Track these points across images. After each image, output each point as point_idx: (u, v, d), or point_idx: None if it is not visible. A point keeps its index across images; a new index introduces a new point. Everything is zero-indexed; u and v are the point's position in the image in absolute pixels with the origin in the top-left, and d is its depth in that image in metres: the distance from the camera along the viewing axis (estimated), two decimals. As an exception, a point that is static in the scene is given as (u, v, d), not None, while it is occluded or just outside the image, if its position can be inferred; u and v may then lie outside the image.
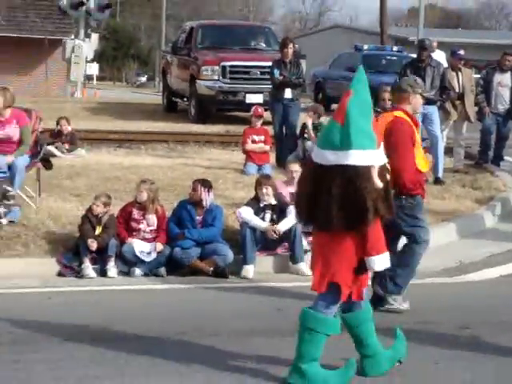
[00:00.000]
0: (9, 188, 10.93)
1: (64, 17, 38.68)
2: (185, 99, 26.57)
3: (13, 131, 11.51)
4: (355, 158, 6.19)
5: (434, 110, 14.47)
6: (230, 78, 23.83)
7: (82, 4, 36.12)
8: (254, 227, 10.65)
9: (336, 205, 6.21)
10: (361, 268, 6.47)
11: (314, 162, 6.44)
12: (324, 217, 6.31)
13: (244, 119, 21.75)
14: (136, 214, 10.60)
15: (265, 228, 10.70)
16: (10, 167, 11.23)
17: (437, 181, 14.52)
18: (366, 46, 31.21)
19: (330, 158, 6.27)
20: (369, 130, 6.32)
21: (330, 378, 6.53)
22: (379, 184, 6.26)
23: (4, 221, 10.71)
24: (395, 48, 32.50)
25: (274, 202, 10.93)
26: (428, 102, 14.39)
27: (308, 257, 10.82)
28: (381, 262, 6.45)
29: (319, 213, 6.35)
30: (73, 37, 37.96)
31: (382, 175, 6.32)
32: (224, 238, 10.78)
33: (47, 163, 12.27)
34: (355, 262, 6.44)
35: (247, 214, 10.78)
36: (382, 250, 6.45)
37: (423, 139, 12.48)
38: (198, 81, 24.15)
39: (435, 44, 16.64)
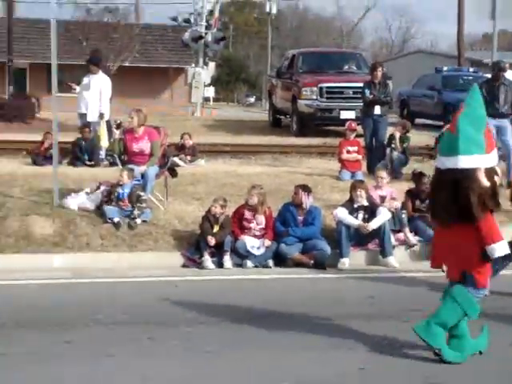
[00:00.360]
0: (142, 193, 11.09)
1: (186, 49, 39.11)
2: (287, 116, 26.61)
3: (145, 145, 11.66)
4: (462, 162, 6.35)
5: (507, 123, 14.19)
6: (327, 98, 23.78)
7: (201, 38, 36.49)
8: (348, 225, 10.63)
9: (450, 203, 6.40)
10: (484, 256, 6.50)
11: (436, 167, 6.70)
12: (442, 213, 6.56)
13: (339, 132, 21.62)
14: (247, 214, 10.66)
15: (357, 225, 10.65)
16: (143, 176, 11.41)
17: (510, 185, 14.22)
18: (445, 68, 30.75)
19: (445, 163, 6.52)
20: (477, 138, 6.42)
21: (447, 348, 6.57)
22: (486, 183, 6.34)
23: (138, 220, 10.86)
24: (471, 69, 31.88)
25: (366, 203, 10.87)
26: (502, 115, 14.16)
27: (395, 251, 10.81)
28: (499, 249, 6.46)
29: (439, 210, 6.59)
30: (193, 65, 38.34)
31: (489, 176, 6.41)
32: (322, 235, 10.76)
33: (173, 172, 12.41)
34: (479, 251, 6.48)
35: (342, 213, 10.75)
36: (496, 238, 6.46)
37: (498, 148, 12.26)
38: (298, 100, 24.17)
39: (507, 65, 16.27)
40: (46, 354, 6.71)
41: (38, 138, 16.68)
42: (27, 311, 8.06)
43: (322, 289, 9.48)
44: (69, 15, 35.40)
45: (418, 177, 11.86)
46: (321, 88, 23.80)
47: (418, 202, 11.52)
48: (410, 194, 11.66)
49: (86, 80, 16.36)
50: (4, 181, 12.96)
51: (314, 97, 23.81)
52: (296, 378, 6.20)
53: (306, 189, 10.87)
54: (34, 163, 15.61)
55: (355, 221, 10.69)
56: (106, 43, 32.80)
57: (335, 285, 9.70)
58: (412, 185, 11.90)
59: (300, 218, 10.73)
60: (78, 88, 16.62)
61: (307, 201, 10.76)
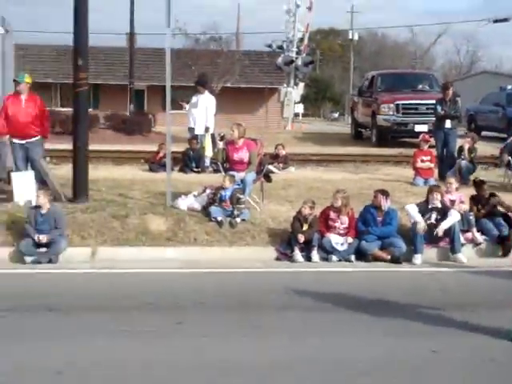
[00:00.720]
0: (241, 196, 11.14)
1: (279, 71, 39.21)
2: (367, 129, 26.44)
3: (244, 155, 11.72)
4: None
5: None
6: (403, 113, 23.57)
7: (292, 62, 36.54)
8: (414, 221, 10.51)
9: None
10: None
11: None
12: None
13: (413, 144, 21.29)
14: (333, 215, 10.60)
15: (419, 222, 10.47)
16: (242, 181, 11.45)
17: None
18: (509, 87, 29.93)
19: None
20: None
21: None
22: None
23: (238, 219, 10.89)
24: (533, 87, 31.01)
25: (439, 205, 10.71)
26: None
27: (464, 249, 10.58)
28: None
29: None
30: (285, 85, 38.39)
31: None
32: (399, 234, 10.60)
33: (268, 178, 12.43)
34: None
35: (412, 209, 10.71)
36: None
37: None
38: (377, 115, 24.04)
39: None
40: (161, 333, 6.82)
41: (154, 148, 16.99)
42: (143, 296, 8.19)
43: (398, 281, 9.34)
44: (180, 44, 35.80)
45: (478, 184, 11.68)
46: (397, 105, 23.62)
47: (479, 206, 11.30)
48: (473, 199, 11.45)
49: (194, 99, 16.57)
50: (126, 184, 13.25)
51: (392, 112, 23.66)
52: (373, 357, 6.15)
53: (385, 193, 10.75)
54: (150, 170, 15.89)
55: (420, 218, 10.54)
56: (212, 67, 33.10)
57: (410, 277, 9.55)
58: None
59: (379, 219, 10.60)
60: (187, 106, 16.86)
61: (385, 203, 10.65)
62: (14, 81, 11.92)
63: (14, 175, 11.59)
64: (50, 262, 9.77)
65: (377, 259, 10.32)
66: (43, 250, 9.86)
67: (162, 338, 6.65)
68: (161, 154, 15.80)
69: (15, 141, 11.69)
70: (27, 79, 11.79)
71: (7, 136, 11.68)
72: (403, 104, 23.62)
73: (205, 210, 11.15)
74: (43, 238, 9.83)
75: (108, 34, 61.43)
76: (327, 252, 10.37)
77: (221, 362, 6.04)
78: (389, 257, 10.28)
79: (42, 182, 11.53)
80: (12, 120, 11.60)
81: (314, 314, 7.53)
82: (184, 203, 11.36)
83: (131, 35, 34.64)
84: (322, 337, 6.73)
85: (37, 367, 5.88)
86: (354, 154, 21.00)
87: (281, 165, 16.51)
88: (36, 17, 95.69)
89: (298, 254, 10.24)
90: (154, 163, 16.08)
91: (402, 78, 27.60)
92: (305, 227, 10.43)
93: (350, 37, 68.29)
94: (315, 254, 10.26)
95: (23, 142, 11.71)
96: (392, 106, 23.69)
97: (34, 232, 9.90)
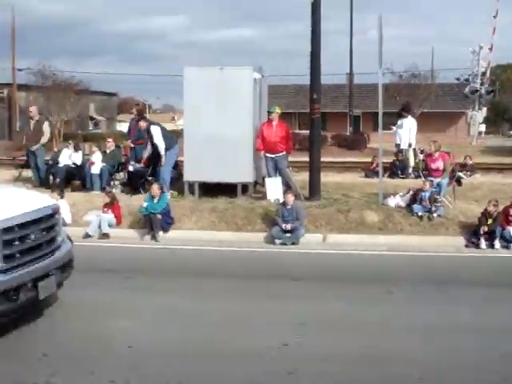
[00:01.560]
0: (437, 196, 10.65)
1: (466, 99, 37.30)
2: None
3: (439, 164, 11.21)
4: None
5: None
6: None
7: (477, 91, 34.78)
8: None
9: None
10: None
11: None
12: None
13: None
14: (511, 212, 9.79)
15: None
16: (438, 184, 10.93)
17: None
18: None
19: None
20: None
21: None
22: None
23: (435, 215, 10.36)
24: None
25: None
26: None
27: None
28: None
29: None
30: (471, 110, 36.45)
31: None
32: None
33: (459, 182, 11.89)
34: None
35: None
36: None
37: None
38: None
39: None
40: (376, 299, 6.70)
41: (369, 160, 16.80)
42: (360, 271, 8.09)
43: None
44: (387, 80, 35.20)
45: None
46: None
47: None
48: None
49: (399, 122, 16.18)
50: (347, 187, 13.11)
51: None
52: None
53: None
54: (366, 176, 15.73)
55: None
56: (412, 97, 32.14)
57: None
58: None
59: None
60: (394, 127, 16.49)
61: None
62: (268, 112, 12.30)
63: (267, 180, 11.98)
64: (293, 244, 9.96)
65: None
66: (288, 235, 10.06)
67: (377, 304, 6.51)
68: (374, 164, 15.63)
69: (267, 155, 12.06)
70: (277, 110, 12.13)
71: (262, 151, 12.09)
72: None
73: (408, 207, 10.76)
74: (288, 226, 10.05)
75: (333, 74, 61.81)
76: (507, 241, 9.58)
77: (425, 325, 5.79)
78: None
79: (287, 185, 11.78)
80: (266, 140, 11.97)
81: (496, 290, 6.99)
82: (392, 202, 11.06)
83: (350, 75, 34.70)
84: (502, 309, 6.19)
85: (284, 321, 5.98)
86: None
87: (468, 172, 15.68)
88: (282, 66, 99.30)
89: (483, 243, 9.60)
90: (369, 171, 15.91)
91: None
92: (489, 221, 9.72)
93: (526, 69, 62.93)
94: (497, 243, 9.55)
95: (273, 155, 12.04)
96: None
97: (281, 222, 10.14)
